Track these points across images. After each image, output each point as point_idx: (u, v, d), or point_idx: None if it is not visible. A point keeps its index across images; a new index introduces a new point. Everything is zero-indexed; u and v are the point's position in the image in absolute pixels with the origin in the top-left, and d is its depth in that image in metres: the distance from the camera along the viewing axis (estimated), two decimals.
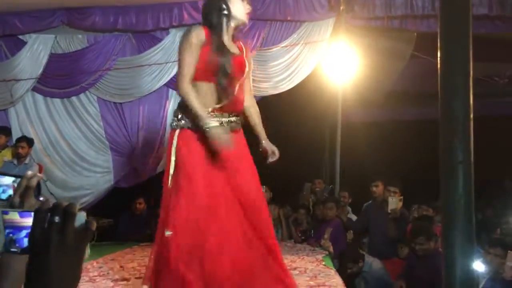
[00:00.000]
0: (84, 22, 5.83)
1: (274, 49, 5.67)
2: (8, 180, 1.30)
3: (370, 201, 5.50)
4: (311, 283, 3.41)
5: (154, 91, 5.91)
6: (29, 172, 1.20)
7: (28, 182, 1.15)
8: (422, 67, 5.90)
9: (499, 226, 5.20)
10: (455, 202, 2.19)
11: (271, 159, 3.02)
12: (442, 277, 2.24)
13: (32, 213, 0.80)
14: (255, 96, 5.59)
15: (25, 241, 0.81)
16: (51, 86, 6.10)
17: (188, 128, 2.70)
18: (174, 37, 5.73)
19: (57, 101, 6.16)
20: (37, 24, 5.89)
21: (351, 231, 5.32)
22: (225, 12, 2.72)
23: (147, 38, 5.89)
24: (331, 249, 4.68)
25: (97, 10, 5.76)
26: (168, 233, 2.57)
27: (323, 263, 4.23)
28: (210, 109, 2.66)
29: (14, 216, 0.82)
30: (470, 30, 2.32)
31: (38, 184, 1.19)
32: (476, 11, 4.80)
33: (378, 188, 5.26)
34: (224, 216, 2.64)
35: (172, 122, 2.77)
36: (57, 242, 0.76)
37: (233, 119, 2.78)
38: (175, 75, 5.15)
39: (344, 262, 4.62)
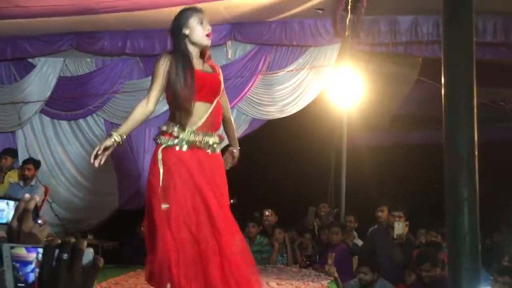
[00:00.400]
0: (93, 46, 5.92)
1: (280, 73, 5.71)
2: (3, 205, 1.31)
3: (376, 226, 5.45)
4: None
5: (160, 114, 5.94)
6: (27, 195, 1.20)
7: (26, 205, 1.15)
8: (427, 91, 5.92)
9: (508, 253, 5.12)
10: (461, 239, 2.23)
11: (229, 164, 3.11)
12: None
13: (38, 249, 0.80)
14: (260, 119, 5.72)
15: (32, 276, 0.81)
16: (58, 108, 6.18)
17: (168, 146, 2.82)
18: None
19: (64, 123, 6.23)
20: (47, 47, 5.98)
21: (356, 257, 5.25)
22: (185, 38, 2.86)
23: (155, 61, 5.95)
24: (335, 274, 4.58)
25: (106, 34, 5.85)
26: (165, 206, 2.72)
27: None
28: (194, 128, 2.80)
29: (20, 250, 0.82)
30: (473, 56, 2.34)
31: (36, 207, 1.19)
32: (481, 38, 4.83)
33: (383, 213, 5.23)
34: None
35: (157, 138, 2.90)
36: (65, 279, 0.77)
37: (215, 140, 2.88)
38: None
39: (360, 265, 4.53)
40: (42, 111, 6.17)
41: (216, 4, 4.83)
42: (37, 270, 0.81)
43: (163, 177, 2.75)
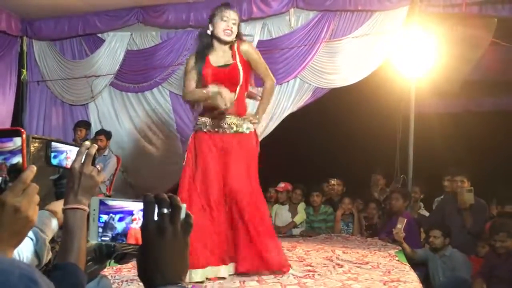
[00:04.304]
0: (158, 19, 6.06)
1: (344, 40, 5.57)
2: (66, 148, 1.41)
3: (442, 196, 5.28)
4: (385, 278, 3.33)
5: None
6: (87, 142, 1.32)
7: (89, 150, 1.29)
8: (500, 54, 5.57)
9: None
10: None
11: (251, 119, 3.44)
12: None
13: (123, 200, 0.84)
14: (323, 88, 5.64)
15: (118, 226, 0.84)
16: (127, 81, 6.41)
17: (199, 130, 3.36)
18: (243, 30, 5.78)
19: (132, 95, 6.45)
20: (115, 22, 6.20)
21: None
22: (209, 34, 3.34)
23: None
24: (402, 240, 4.45)
25: (170, 7, 5.96)
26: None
27: (396, 258, 4.12)
28: (216, 112, 3.26)
29: (109, 202, 0.86)
30: None
31: (94, 154, 1.29)
32: None
33: (450, 182, 5.03)
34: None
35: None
36: (171, 232, 0.81)
37: (238, 121, 3.34)
38: None
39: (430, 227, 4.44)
40: (112, 84, 6.44)
41: None
42: (128, 221, 0.85)
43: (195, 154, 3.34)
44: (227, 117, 3.31)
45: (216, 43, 3.34)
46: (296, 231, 5.81)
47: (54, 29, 6.44)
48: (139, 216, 0.85)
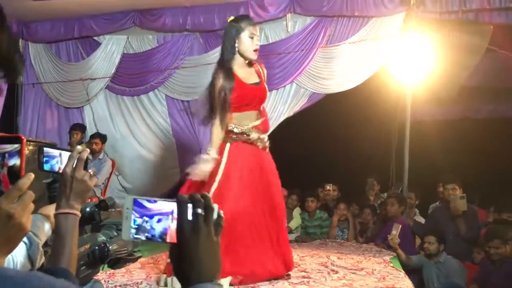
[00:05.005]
0: (155, 23, 6.05)
1: (340, 46, 5.58)
2: (56, 153, 1.40)
3: (437, 202, 5.28)
4: (380, 284, 3.32)
5: None
6: (79, 147, 1.30)
7: (80, 155, 1.28)
8: (497, 61, 5.59)
9: None
10: None
11: None
12: None
13: (158, 201, 0.85)
14: (319, 94, 5.66)
15: (157, 228, 0.85)
16: (122, 84, 6.39)
17: (235, 141, 3.31)
18: None
19: (127, 99, 6.43)
20: (111, 25, 6.19)
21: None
22: (235, 49, 3.23)
23: (214, 37, 6.00)
24: (397, 246, 4.42)
25: (167, 11, 5.95)
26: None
27: (391, 264, 4.12)
28: (250, 126, 3.31)
29: (144, 202, 0.86)
30: None
31: (86, 159, 1.27)
32: None
33: (443, 189, 5.04)
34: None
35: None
36: (205, 231, 0.84)
37: (264, 138, 3.39)
38: None
39: (425, 234, 4.44)
40: (107, 87, 6.41)
41: None
42: (157, 217, 0.86)
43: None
44: (256, 131, 3.33)
45: (239, 58, 3.27)
46: (291, 237, 5.76)
47: (50, 31, 6.41)
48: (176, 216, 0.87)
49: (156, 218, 0.85)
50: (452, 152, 6.17)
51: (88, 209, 1.55)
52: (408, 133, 5.37)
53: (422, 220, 5.54)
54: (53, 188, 1.55)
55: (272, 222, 3.31)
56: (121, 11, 6.07)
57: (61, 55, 6.54)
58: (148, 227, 0.85)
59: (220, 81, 3.22)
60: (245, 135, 3.29)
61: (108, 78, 6.33)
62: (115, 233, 1.60)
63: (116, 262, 1.54)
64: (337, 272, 3.68)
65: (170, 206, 0.85)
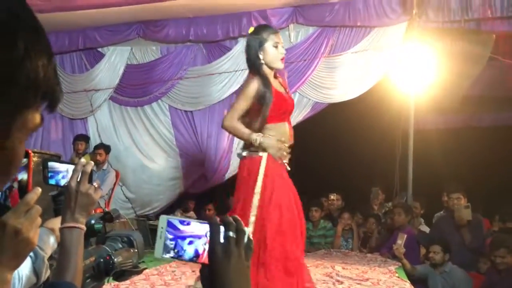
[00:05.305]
0: (158, 34, 6.10)
1: (343, 55, 5.61)
2: (64, 168, 1.40)
3: (442, 212, 5.25)
4: None
5: (223, 99, 6.03)
6: (83, 160, 1.31)
7: (84, 168, 1.28)
8: (500, 70, 5.60)
9: None
10: None
11: None
12: None
13: (191, 223, 0.86)
14: (322, 103, 5.66)
15: (188, 250, 0.86)
16: (126, 95, 6.42)
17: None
18: (243, 46, 5.77)
19: (131, 110, 6.46)
20: (115, 37, 6.24)
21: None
22: (260, 61, 2.97)
23: (217, 47, 6.04)
24: (402, 256, 4.39)
25: (171, 22, 6.00)
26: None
27: (396, 275, 4.10)
28: (287, 145, 3.04)
29: (177, 224, 0.87)
30: None
31: (91, 172, 1.28)
32: None
33: (447, 199, 5.02)
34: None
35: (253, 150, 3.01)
36: (236, 255, 0.84)
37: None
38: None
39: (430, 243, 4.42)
40: (111, 98, 6.45)
41: None
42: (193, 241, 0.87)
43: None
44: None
45: (266, 69, 3.02)
46: None
47: (55, 43, 6.44)
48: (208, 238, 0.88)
49: (188, 240, 0.86)
50: (456, 161, 6.15)
51: (95, 225, 1.55)
52: (411, 142, 5.37)
53: (427, 229, 5.51)
54: (59, 201, 1.55)
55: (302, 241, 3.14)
56: (125, 23, 6.12)
57: (66, 66, 6.58)
58: (179, 248, 0.86)
59: (256, 86, 2.95)
60: (284, 152, 3.03)
61: (112, 89, 6.37)
62: (120, 245, 1.60)
63: (121, 275, 1.54)
64: (342, 283, 3.67)
65: (203, 228, 0.87)
